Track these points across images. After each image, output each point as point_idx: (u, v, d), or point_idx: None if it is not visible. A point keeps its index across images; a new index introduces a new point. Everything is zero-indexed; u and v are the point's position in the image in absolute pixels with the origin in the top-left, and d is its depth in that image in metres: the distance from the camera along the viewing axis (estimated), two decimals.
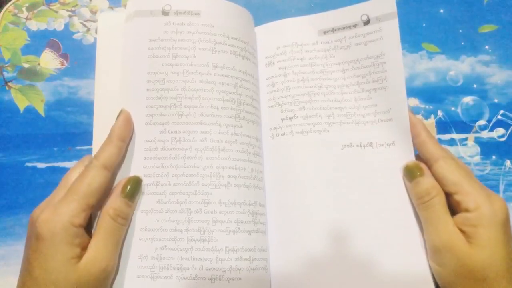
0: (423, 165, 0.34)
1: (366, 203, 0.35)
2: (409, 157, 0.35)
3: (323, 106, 0.38)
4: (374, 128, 0.37)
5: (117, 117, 0.35)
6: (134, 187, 0.34)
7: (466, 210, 0.31)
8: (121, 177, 0.35)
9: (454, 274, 0.31)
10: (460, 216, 0.32)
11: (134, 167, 0.35)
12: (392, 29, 0.37)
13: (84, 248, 0.31)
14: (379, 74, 0.37)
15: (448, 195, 0.33)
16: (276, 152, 0.38)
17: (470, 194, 0.32)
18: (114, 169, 0.34)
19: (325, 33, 0.40)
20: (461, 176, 0.33)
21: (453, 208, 0.33)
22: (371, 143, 0.37)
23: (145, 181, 0.35)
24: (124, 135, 0.35)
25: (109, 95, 0.37)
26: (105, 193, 0.33)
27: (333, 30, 0.40)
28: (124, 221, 0.33)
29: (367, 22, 0.39)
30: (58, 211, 0.31)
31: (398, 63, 0.37)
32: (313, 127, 0.38)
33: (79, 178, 0.32)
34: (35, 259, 0.30)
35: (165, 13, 0.38)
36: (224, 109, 0.36)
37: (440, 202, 0.32)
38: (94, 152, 0.36)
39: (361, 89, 0.38)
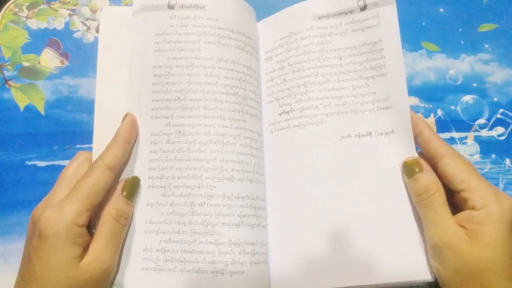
0: (422, 161, 0.34)
1: (366, 196, 0.35)
2: (409, 145, 0.35)
3: (319, 96, 0.37)
4: (372, 116, 0.36)
5: (123, 119, 0.36)
6: (133, 186, 0.34)
7: (473, 208, 0.31)
8: (126, 172, 0.35)
9: (454, 272, 0.31)
10: (465, 213, 0.31)
11: (140, 160, 0.36)
12: (390, 14, 0.36)
13: (85, 248, 0.31)
14: (378, 61, 0.37)
15: (453, 192, 0.33)
16: (275, 148, 0.38)
17: (478, 192, 0.31)
18: (118, 170, 0.34)
19: (319, 18, 0.39)
20: (468, 173, 0.32)
21: (458, 205, 0.33)
22: (370, 133, 0.36)
23: (150, 174, 0.35)
24: (129, 137, 0.35)
25: (110, 93, 0.38)
26: (108, 193, 0.33)
27: (328, 16, 0.39)
28: (126, 221, 0.33)
29: (363, 8, 0.38)
30: (62, 210, 0.30)
31: (397, 49, 0.36)
32: (309, 119, 0.37)
33: (83, 177, 0.32)
34: (37, 257, 0.30)
35: (170, 7, 0.38)
36: (228, 103, 0.36)
37: (439, 199, 0.32)
38: (94, 151, 0.36)
39: (358, 76, 0.37)
